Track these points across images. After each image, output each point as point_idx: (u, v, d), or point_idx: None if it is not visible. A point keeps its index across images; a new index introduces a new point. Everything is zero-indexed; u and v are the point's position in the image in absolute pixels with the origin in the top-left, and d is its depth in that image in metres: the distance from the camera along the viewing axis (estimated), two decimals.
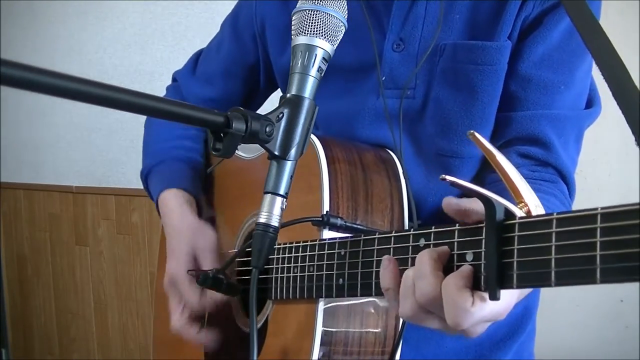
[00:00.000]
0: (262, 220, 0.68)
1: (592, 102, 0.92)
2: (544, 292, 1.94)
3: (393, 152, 0.92)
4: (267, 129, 0.66)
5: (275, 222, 0.68)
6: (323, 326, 0.79)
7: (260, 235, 0.68)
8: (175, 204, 1.04)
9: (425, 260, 0.61)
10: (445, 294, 0.58)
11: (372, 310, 0.81)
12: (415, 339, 0.91)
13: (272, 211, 0.68)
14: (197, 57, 1.20)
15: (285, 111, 0.69)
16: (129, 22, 2.63)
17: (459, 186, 0.57)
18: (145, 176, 1.14)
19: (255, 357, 0.66)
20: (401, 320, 0.81)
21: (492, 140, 0.90)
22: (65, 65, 2.76)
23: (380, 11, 0.92)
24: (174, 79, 1.23)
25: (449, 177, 0.57)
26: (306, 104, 0.70)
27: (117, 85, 0.54)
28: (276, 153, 0.68)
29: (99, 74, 2.65)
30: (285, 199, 0.69)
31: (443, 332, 0.63)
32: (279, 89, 1.13)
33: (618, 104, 0.52)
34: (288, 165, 0.69)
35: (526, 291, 0.72)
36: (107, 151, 2.74)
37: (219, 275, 0.91)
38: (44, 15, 2.86)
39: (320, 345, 0.78)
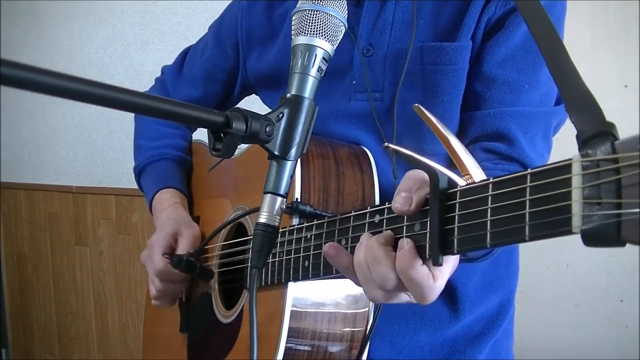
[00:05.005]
0: (262, 220, 0.68)
1: (562, 100, 0.92)
2: (544, 291, 1.94)
3: (367, 148, 0.95)
4: (267, 129, 0.66)
5: (275, 222, 0.68)
6: (292, 309, 0.81)
7: (260, 235, 0.67)
8: (170, 202, 1.14)
9: (375, 246, 0.63)
10: (403, 277, 0.61)
11: (343, 302, 0.84)
12: (389, 335, 0.94)
13: (272, 211, 0.68)
14: (185, 54, 1.28)
15: (285, 111, 0.69)
16: (129, 22, 2.63)
17: (402, 155, 0.60)
18: (138, 172, 1.22)
19: (255, 357, 0.66)
20: (372, 313, 0.83)
21: (459, 139, 0.92)
22: (66, 65, 2.76)
23: (350, 18, 0.95)
24: (162, 72, 1.30)
25: (392, 146, 0.59)
26: (306, 104, 0.70)
27: (117, 85, 0.54)
28: (276, 153, 0.68)
29: (99, 74, 2.65)
30: (285, 199, 0.69)
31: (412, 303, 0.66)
32: (245, 98, 1.22)
33: (567, 107, 0.52)
34: (288, 165, 0.69)
35: None
36: (107, 151, 2.74)
37: (192, 258, 0.97)
38: (44, 15, 2.86)
39: (289, 330, 0.80)
